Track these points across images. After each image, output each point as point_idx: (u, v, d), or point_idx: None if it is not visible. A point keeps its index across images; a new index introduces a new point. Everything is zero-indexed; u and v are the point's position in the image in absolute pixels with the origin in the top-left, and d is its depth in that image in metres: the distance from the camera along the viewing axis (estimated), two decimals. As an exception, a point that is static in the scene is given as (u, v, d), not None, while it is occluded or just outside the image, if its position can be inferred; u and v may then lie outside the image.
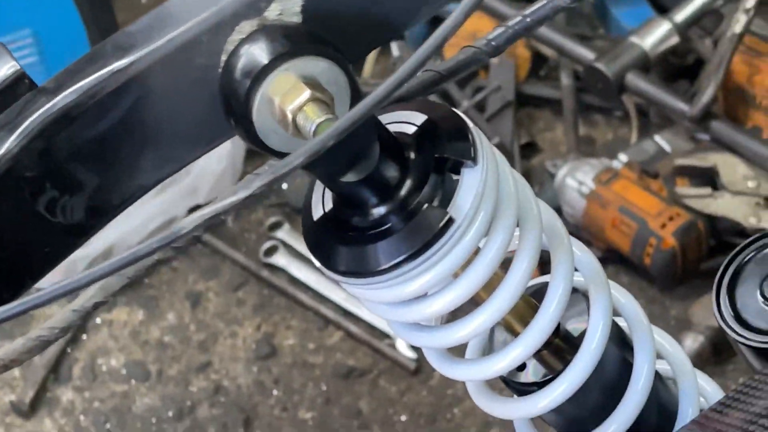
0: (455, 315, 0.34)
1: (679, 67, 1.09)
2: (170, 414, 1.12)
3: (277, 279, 1.23)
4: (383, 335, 1.14)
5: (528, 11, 0.33)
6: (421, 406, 1.06)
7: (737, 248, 0.40)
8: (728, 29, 0.98)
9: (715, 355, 1.06)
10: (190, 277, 1.24)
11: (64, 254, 0.30)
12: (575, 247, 0.37)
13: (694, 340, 1.06)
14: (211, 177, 1.33)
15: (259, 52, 0.27)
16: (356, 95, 0.29)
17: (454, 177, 0.31)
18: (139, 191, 0.30)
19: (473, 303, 0.33)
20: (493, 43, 0.34)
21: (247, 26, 0.27)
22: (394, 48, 1.24)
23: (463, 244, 0.30)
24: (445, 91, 1.17)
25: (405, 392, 1.07)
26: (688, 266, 1.07)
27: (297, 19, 0.28)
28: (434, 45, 0.23)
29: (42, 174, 0.27)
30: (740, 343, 0.37)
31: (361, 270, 0.31)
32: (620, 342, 0.39)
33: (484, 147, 0.31)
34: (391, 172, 0.31)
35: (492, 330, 0.37)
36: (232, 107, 0.27)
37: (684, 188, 1.08)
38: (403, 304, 0.33)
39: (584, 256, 0.37)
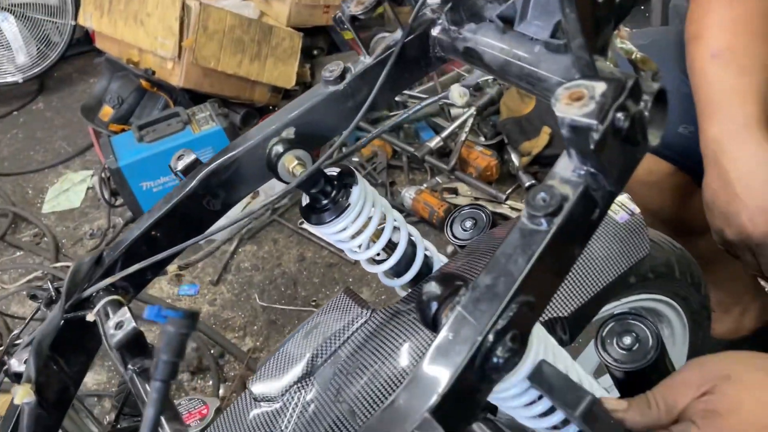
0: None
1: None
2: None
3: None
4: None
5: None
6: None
7: (607, 316, 0.67)
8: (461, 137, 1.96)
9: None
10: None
11: (209, 225, 0.76)
12: (396, 214, 0.80)
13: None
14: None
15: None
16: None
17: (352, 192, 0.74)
18: (241, 198, 0.76)
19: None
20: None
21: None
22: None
23: (355, 212, 0.74)
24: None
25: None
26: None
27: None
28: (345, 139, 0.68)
29: (205, 191, 0.72)
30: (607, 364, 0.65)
31: (320, 222, 0.69)
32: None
33: (362, 180, 0.73)
34: (328, 188, 0.68)
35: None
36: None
37: (447, 195, 1.99)
38: (335, 236, 0.77)
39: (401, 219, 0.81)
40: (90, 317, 0.63)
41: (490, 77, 2.35)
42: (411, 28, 0.67)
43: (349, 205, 0.70)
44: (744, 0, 0.89)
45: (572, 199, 0.47)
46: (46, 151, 2.71)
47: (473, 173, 1.99)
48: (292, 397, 0.75)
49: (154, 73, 2.24)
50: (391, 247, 0.79)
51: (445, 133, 2.12)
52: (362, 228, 0.74)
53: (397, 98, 2.38)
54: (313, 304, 1.83)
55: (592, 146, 0.43)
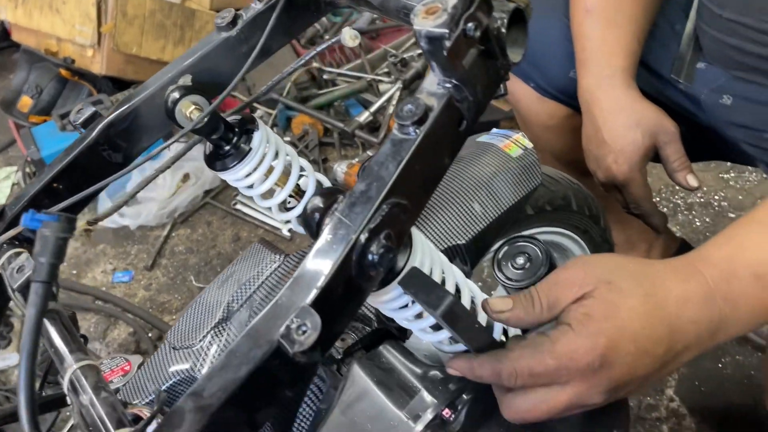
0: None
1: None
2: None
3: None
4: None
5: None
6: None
7: (503, 241, 0.68)
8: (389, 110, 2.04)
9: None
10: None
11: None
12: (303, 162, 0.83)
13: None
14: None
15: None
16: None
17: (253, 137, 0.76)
18: (144, 149, 0.78)
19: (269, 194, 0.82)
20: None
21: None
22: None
23: (258, 157, 0.77)
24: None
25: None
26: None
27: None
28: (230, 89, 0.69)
29: (105, 142, 0.74)
30: (502, 283, 0.66)
31: (224, 168, 0.68)
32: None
33: (264, 126, 0.74)
34: (229, 135, 0.68)
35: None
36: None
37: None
38: (241, 182, 0.79)
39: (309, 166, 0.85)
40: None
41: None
42: (296, -27, 0.69)
43: (251, 149, 0.73)
44: None
45: (437, 109, 0.50)
46: (-34, 151, 2.62)
47: (401, 144, 2.03)
48: (211, 342, 0.77)
49: (73, 61, 2.20)
50: (299, 193, 0.82)
51: (373, 108, 2.16)
52: (267, 174, 0.76)
53: (325, 76, 2.41)
54: (250, 280, 1.85)
55: (445, 52, 0.47)
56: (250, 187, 0.77)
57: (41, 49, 2.28)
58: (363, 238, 0.47)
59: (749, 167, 1.79)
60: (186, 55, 0.71)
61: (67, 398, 0.54)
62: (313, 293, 0.45)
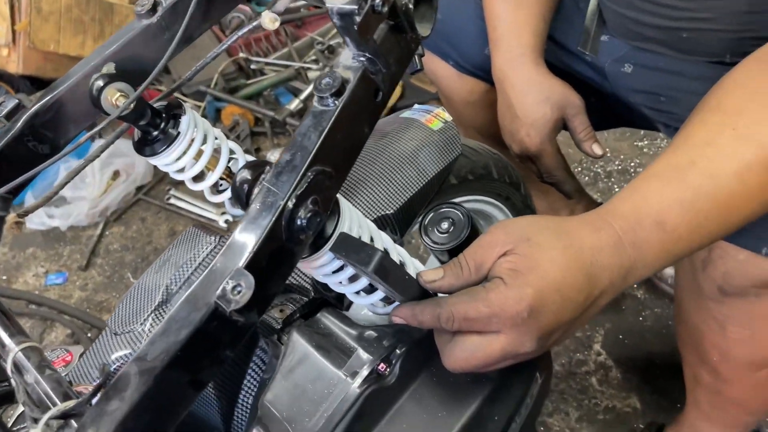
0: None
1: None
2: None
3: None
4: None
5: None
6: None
7: (428, 209, 0.69)
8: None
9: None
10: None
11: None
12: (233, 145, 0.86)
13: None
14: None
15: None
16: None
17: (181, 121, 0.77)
18: (70, 139, 0.78)
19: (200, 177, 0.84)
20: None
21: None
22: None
23: (186, 141, 0.78)
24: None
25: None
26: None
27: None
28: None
29: (30, 133, 0.74)
30: (430, 248, 0.67)
31: (153, 153, 0.67)
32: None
33: (192, 111, 0.76)
34: (157, 121, 0.68)
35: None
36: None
37: None
38: (171, 167, 0.81)
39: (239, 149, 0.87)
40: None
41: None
42: (215, -41, 0.71)
43: (179, 133, 0.74)
44: None
45: (353, 81, 0.54)
46: None
47: (332, 129, 2.07)
48: (153, 325, 0.79)
49: (-12, 61, 2.13)
50: (231, 176, 0.84)
51: (303, 95, 2.18)
52: (197, 157, 0.78)
53: (253, 66, 2.41)
54: (189, 273, 1.85)
55: (356, 27, 0.51)
56: (181, 171, 0.79)
57: (-48, 51, 2.19)
58: (291, 204, 0.50)
59: (660, 135, 1.91)
60: (108, 44, 0.72)
61: (12, 381, 0.55)
62: (245, 256, 0.48)
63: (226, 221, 1.96)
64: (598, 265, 0.59)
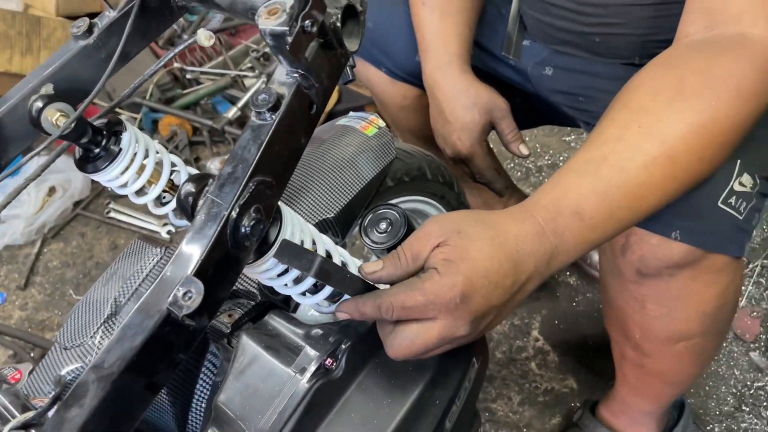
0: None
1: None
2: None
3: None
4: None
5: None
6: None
7: (368, 209, 0.72)
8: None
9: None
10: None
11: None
12: (174, 158, 0.89)
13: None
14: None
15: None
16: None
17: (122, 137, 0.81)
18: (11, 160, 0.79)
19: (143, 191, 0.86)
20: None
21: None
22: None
23: (128, 156, 0.81)
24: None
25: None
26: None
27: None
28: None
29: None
30: (370, 247, 0.70)
31: (96, 170, 0.70)
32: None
33: (132, 127, 0.79)
34: (98, 138, 0.76)
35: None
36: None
37: None
38: (114, 182, 0.84)
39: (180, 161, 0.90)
40: None
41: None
42: (148, -19, 0.74)
43: (120, 149, 0.77)
44: None
45: (288, 96, 0.58)
46: None
47: (272, 136, 2.09)
48: (102, 337, 0.80)
49: None
50: (173, 188, 0.87)
51: (241, 103, 2.19)
52: (139, 172, 0.80)
53: (188, 76, 2.40)
54: (133, 286, 1.84)
55: (288, 47, 0.55)
56: (124, 186, 0.81)
57: None
58: (234, 213, 0.54)
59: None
60: (45, 65, 0.73)
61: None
62: (194, 264, 0.52)
63: (169, 232, 1.95)
64: (523, 252, 0.65)
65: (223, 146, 2.22)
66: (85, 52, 0.74)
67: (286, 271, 0.65)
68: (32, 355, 1.67)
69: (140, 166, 0.79)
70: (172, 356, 0.53)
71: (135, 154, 0.78)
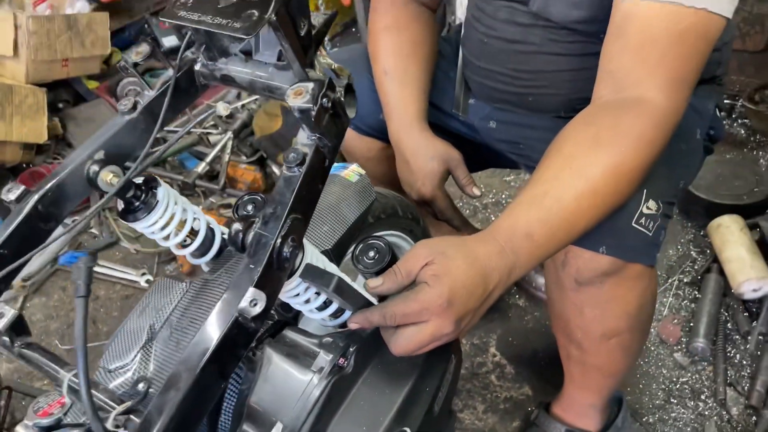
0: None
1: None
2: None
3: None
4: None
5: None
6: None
7: (357, 243, 0.88)
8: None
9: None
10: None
11: (46, 238, 0.94)
12: (195, 208, 1.06)
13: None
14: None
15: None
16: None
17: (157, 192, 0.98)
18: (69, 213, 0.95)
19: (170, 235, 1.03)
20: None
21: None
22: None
23: (163, 208, 0.98)
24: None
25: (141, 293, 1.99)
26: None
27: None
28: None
29: (37, 213, 0.90)
30: (362, 272, 0.86)
31: (136, 219, 0.87)
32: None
33: (164, 186, 0.97)
34: (138, 192, 0.95)
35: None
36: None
37: (223, 211, 2.27)
38: (149, 229, 0.99)
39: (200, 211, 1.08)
40: (-40, 325, 0.79)
41: (240, 103, 2.64)
42: (179, 67, 0.93)
43: (157, 202, 0.94)
44: (400, 33, 1.30)
45: (310, 154, 0.77)
46: None
47: (243, 188, 2.26)
48: (143, 360, 0.96)
49: None
50: (194, 233, 1.04)
51: (209, 158, 2.36)
52: (169, 220, 0.98)
53: (158, 135, 2.55)
54: (118, 333, 1.95)
55: (313, 119, 0.74)
56: (157, 231, 0.98)
57: None
58: (278, 242, 0.73)
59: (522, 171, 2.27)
60: (97, 136, 0.90)
61: (66, 398, 0.72)
62: (255, 278, 0.70)
63: (147, 281, 2.08)
64: (490, 267, 0.85)
65: (193, 199, 2.38)
66: (130, 125, 0.92)
67: (306, 290, 0.83)
68: (23, 402, 1.75)
69: (171, 215, 0.97)
70: (238, 351, 0.70)
71: (167, 205, 0.96)
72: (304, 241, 0.83)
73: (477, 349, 1.72)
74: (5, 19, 2.40)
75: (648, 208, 1.05)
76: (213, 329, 0.68)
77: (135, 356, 0.96)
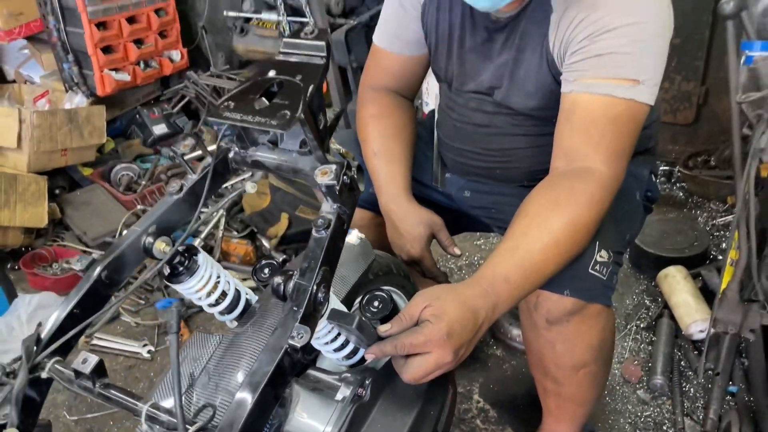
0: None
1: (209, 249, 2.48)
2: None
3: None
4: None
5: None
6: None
7: (363, 295, 1.07)
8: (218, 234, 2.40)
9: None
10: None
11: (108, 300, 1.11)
12: (226, 273, 1.24)
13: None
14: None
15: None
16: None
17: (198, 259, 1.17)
18: (126, 278, 1.12)
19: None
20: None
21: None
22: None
23: (201, 272, 1.16)
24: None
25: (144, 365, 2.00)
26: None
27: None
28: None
29: (101, 279, 1.06)
30: (368, 318, 1.00)
31: (180, 282, 1.08)
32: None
33: (203, 254, 1.19)
34: (182, 259, 1.14)
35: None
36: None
37: None
38: (189, 290, 1.17)
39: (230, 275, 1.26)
40: (44, 375, 0.96)
41: (229, 183, 2.84)
42: (216, 155, 1.14)
43: (198, 267, 1.13)
44: (384, 119, 1.53)
45: (334, 220, 0.98)
46: None
47: (236, 261, 2.44)
48: (187, 402, 1.12)
49: None
50: (223, 295, 1.22)
51: (203, 235, 2.54)
52: (207, 282, 1.16)
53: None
54: (125, 402, 2.06)
55: (337, 193, 0.96)
56: (196, 293, 1.16)
57: None
58: (314, 289, 0.92)
59: (491, 235, 2.51)
60: (151, 214, 1.10)
61: (144, 425, 0.89)
62: (298, 317, 0.89)
63: (149, 351, 2.21)
64: (477, 306, 1.05)
65: (188, 274, 2.53)
66: (177, 203, 1.11)
67: (328, 332, 1.02)
68: (36, 473, 1.84)
69: (209, 278, 1.15)
70: (287, 378, 0.89)
71: (206, 269, 1.15)
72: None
73: (462, 396, 1.90)
74: (10, 114, 2.60)
75: (601, 256, 1.28)
76: (268, 359, 0.86)
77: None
